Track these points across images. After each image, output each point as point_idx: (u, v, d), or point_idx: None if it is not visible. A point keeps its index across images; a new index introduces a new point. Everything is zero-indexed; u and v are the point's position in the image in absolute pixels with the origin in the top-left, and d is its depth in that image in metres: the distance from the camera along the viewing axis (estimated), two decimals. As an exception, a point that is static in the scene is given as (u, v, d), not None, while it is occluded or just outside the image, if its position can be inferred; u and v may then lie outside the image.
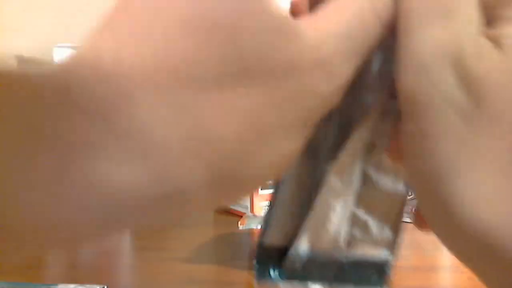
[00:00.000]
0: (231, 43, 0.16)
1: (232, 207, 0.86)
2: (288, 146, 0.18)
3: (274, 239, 0.21)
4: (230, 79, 0.16)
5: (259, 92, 0.16)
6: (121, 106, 0.15)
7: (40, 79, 0.15)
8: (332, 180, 0.20)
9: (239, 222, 0.64)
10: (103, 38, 0.16)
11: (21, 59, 0.94)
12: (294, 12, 0.19)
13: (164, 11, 0.16)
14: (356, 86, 0.19)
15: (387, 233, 0.22)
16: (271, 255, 0.21)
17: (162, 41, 0.16)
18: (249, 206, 0.83)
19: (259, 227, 0.62)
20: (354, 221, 0.21)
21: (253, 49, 0.16)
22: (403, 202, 0.22)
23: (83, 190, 0.15)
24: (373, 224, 0.22)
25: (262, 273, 0.21)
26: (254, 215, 0.75)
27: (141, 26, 0.16)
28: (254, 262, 0.21)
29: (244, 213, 0.78)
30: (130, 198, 0.15)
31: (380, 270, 0.22)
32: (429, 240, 0.76)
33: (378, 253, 0.22)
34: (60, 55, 0.83)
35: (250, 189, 0.18)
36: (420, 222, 0.23)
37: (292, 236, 0.21)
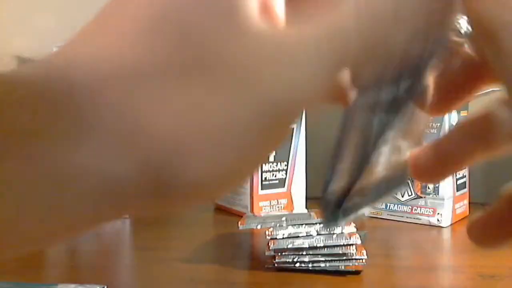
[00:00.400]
0: (179, 31, 0.16)
1: (232, 207, 0.86)
2: (237, 155, 0.17)
3: (338, 188, 0.23)
4: (174, 69, 0.16)
5: (202, 84, 0.16)
6: (101, 93, 0.16)
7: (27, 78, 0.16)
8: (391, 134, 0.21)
9: (239, 222, 0.64)
10: (76, 38, 0.18)
11: (21, 59, 0.94)
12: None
13: (126, 8, 0.17)
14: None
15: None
16: (336, 203, 0.23)
17: (116, 36, 0.17)
18: (249, 206, 0.83)
19: (259, 227, 0.63)
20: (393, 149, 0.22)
21: (199, 37, 0.16)
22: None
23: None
24: (405, 148, 0.23)
25: (328, 219, 0.23)
26: (254, 215, 0.75)
27: (111, 25, 0.17)
28: (322, 211, 0.23)
29: (244, 213, 0.78)
30: (122, 190, 0.16)
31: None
32: (429, 240, 0.76)
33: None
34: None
35: (190, 200, 0.17)
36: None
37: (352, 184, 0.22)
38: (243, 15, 0.16)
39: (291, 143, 0.84)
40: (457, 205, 0.79)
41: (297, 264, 0.58)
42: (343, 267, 0.57)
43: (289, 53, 0.16)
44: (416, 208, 0.79)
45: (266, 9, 0.17)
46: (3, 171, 0.15)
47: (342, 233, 0.58)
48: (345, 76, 0.20)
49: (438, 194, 0.77)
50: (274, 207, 0.84)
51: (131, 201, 0.16)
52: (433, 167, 0.22)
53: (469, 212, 0.83)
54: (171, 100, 0.16)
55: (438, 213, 0.77)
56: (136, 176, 0.16)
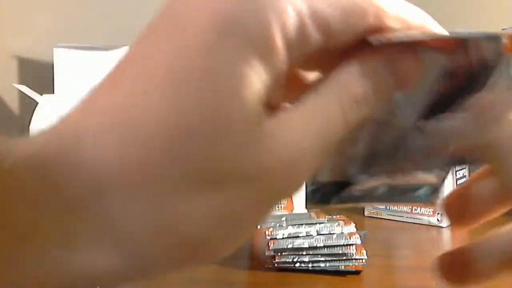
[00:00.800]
0: (203, 147, 0.16)
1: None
2: (246, 233, 0.19)
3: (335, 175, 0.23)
4: (199, 180, 0.17)
5: (228, 194, 0.17)
6: (97, 199, 0.16)
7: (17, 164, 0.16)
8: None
9: (239, 222, 0.65)
10: (85, 114, 0.17)
11: (21, 59, 0.94)
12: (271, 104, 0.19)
13: (144, 111, 0.16)
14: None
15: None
16: (332, 188, 0.23)
17: (141, 140, 0.16)
18: (249, 206, 0.83)
19: (259, 227, 0.63)
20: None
21: (224, 153, 0.16)
22: None
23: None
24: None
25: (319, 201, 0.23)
26: (254, 215, 0.75)
27: (124, 117, 0.16)
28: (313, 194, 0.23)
29: (244, 213, 0.78)
30: (109, 280, 0.17)
31: (431, 187, 0.24)
32: (429, 240, 0.76)
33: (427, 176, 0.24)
34: (60, 55, 0.83)
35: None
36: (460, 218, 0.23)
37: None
38: (261, 120, 0.17)
39: (291, 143, 0.84)
40: (457, 205, 0.79)
41: (297, 264, 0.58)
42: (343, 267, 0.57)
43: (296, 152, 0.18)
44: (416, 208, 0.79)
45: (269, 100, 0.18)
46: None
47: (342, 233, 0.58)
48: None
49: (438, 194, 0.77)
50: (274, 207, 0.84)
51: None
52: (466, 214, 0.23)
53: (469, 212, 0.82)
54: (201, 204, 0.17)
55: (438, 213, 0.77)
56: (173, 264, 0.19)
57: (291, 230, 0.59)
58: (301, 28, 0.17)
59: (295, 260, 0.58)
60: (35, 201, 0.16)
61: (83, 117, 0.17)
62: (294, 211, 0.82)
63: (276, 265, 0.58)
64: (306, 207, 0.85)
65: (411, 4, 0.20)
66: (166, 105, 0.16)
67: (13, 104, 1.00)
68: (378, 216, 0.83)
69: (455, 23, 0.22)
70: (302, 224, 0.60)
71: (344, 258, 0.57)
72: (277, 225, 0.61)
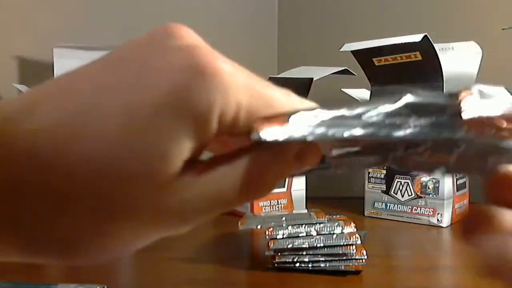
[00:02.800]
0: (118, 188, 0.19)
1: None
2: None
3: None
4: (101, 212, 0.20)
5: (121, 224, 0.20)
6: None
7: None
8: None
9: (239, 222, 0.64)
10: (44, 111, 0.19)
11: (21, 59, 0.94)
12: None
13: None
14: None
15: None
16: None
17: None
18: (249, 206, 0.83)
19: (259, 227, 0.63)
20: None
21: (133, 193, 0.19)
22: None
23: None
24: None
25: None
26: (254, 215, 0.75)
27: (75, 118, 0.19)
28: None
29: (244, 213, 0.78)
30: None
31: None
32: (429, 240, 0.76)
33: None
34: (60, 55, 0.83)
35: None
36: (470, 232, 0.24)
37: None
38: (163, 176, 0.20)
39: (291, 143, 0.84)
40: (457, 205, 0.79)
41: (297, 264, 0.58)
42: (343, 267, 0.57)
43: (188, 210, 0.21)
44: (416, 208, 0.79)
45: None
46: None
47: (342, 233, 0.58)
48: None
49: (438, 194, 0.77)
50: (274, 207, 0.84)
51: None
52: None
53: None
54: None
55: (438, 213, 0.77)
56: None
57: (291, 230, 0.59)
58: (235, 117, 0.20)
59: (295, 260, 0.58)
60: None
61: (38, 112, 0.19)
62: (294, 211, 0.82)
63: (276, 265, 0.58)
64: (306, 207, 0.85)
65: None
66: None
67: (13, 104, 0.99)
68: (378, 216, 0.83)
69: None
70: (302, 224, 0.60)
71: (344, 258, 0.57)
72: (277, 225, 0.61)
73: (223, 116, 0.20)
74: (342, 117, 0.20)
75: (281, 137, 0.20)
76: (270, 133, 0.20)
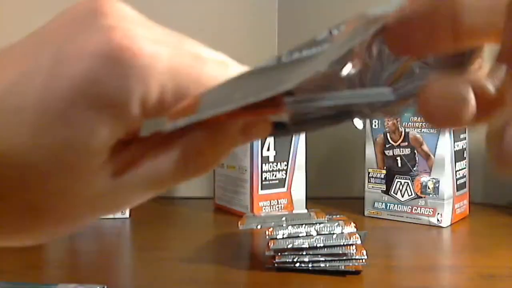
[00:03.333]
0: (45, 179, 0.20)
1: (232, 207, 0.86)
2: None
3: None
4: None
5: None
6: None
7: None
8: None
9: (239, 222, 0.64)
10: None
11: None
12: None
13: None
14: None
15: None
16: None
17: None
18: (249, 206, 0.83)
19: (259, 227, 0.63)
20: None
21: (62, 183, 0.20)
22: None
23: None
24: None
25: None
26: (254, 215, 0.75)
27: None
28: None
29: (244, 213, 0.78)
30: None
31: None
32: (429, 240, 0.76)
33: None
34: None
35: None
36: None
37: None
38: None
39: (291, 143, 0.84)
40: (457, 205, 0.79)
41: (297, 264, 0.58)
42: (343, 267, 0.57)
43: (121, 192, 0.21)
44: (416, 208, 0.79)
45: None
46: None
47: (342, 233, 0.59)
48: None
49: (438, 194, 0.77)
50: (274, 207, 0.84)
51: None
52: None
53: (469, 212, 0.83)
54: None
55: (438, 213, 0.77)
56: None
57: (291, 230, 0.59)
58: (161, 100, 0.19)
59: (295, 260, 0.58)
60: None
61: None
62: (294, 211, 0.82)
63: (276, 265, 0.58)
64: (306, 207, 0.85)
65: None
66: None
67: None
68: (378, 216, 0.83)
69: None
70: (302, 224, 0.60)
71: (344, 258, 0.57)
72: (277, 225, 0.61)
73: (146, 101, 0.19)
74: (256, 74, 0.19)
75: (182, 123, 0.19)
76: (178, 123, 0.20)
